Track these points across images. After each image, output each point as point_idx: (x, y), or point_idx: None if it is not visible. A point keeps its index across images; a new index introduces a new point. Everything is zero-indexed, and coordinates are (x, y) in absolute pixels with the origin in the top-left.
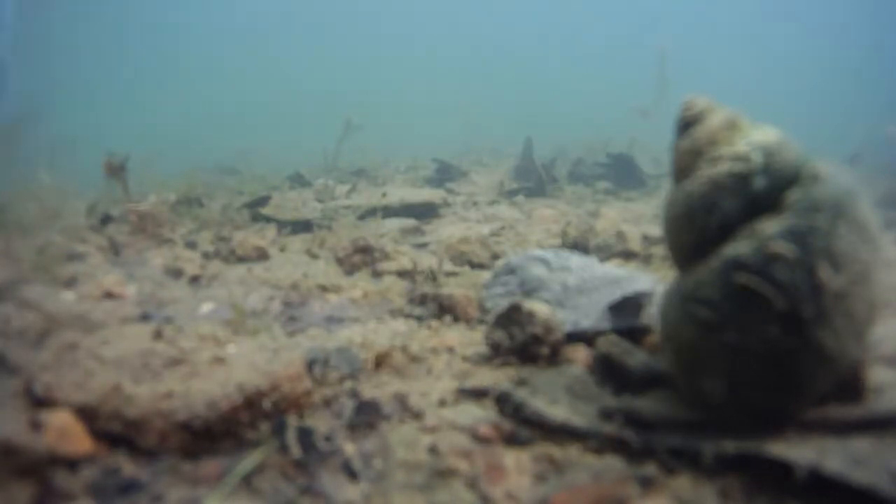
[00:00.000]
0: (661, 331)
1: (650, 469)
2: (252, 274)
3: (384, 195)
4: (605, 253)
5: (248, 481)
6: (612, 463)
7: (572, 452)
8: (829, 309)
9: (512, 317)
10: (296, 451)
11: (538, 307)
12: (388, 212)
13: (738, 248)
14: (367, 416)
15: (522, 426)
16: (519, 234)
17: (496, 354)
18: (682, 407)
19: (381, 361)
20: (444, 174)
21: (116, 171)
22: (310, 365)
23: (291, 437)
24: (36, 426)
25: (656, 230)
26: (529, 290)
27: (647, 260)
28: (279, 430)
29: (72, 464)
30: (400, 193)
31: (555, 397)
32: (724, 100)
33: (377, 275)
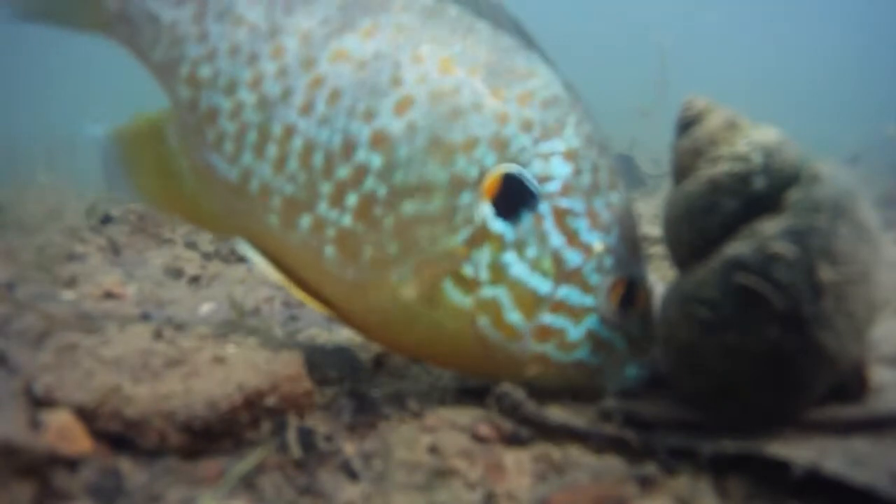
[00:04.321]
0: (662, 331)
1: (650, 469)
2: (252, 274)
3: None
4: None
5: (248, 481)
6: (612, 463)
7: (572, 452)
8: (829, 309)
9: None
10: (296, 451)
11: None
12: None
13: (738, 248)
14: (367, 416)
15: (522, 426)
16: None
17: None
18: (681, 407)
19: (381, 361)
20: None
21: None
22: (310, 365)
23: (292, 437)
24: (36, 426)
25: (656, 230)
26: None
27: (646, 260)
28: (280, 429)
29: (72, 464)
30: None
31: (554, 397)
32: (724, 100)
33: None
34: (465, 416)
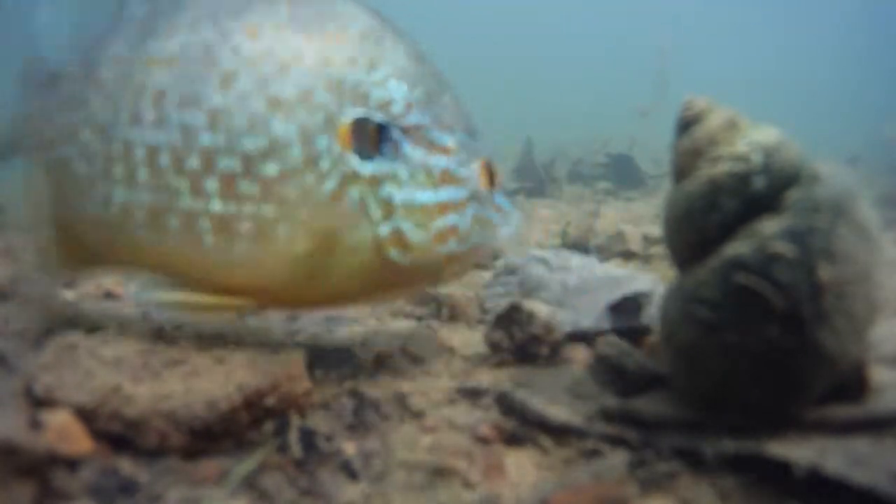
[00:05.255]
0: (662, 331)
1: (650, 469)
2: None
3: None
4: (605, 253)
5: (249, 481)
6: (612, 463)
7: (572, 452)
8: (829, 309)
9: (512, 317)
10: (297, 451)
11: (538, 307)
12: None
13: (738, 248)
14: (367, 416)
15: (522, 426)
16: (519, 234)
17: (496, 354)
18: (682, 407)
19: (380, 361)
20: None
21: None
22: (310, 365)
23: (293, 437)
24: (36, 426)
25: (656, 230)
26: (529, 290)
27: (647, 260)
28: (281, 430)
29: (72, 464)
30: None
31: (555, 397)
32: (724, 100)
33: None
34: (466, 416)
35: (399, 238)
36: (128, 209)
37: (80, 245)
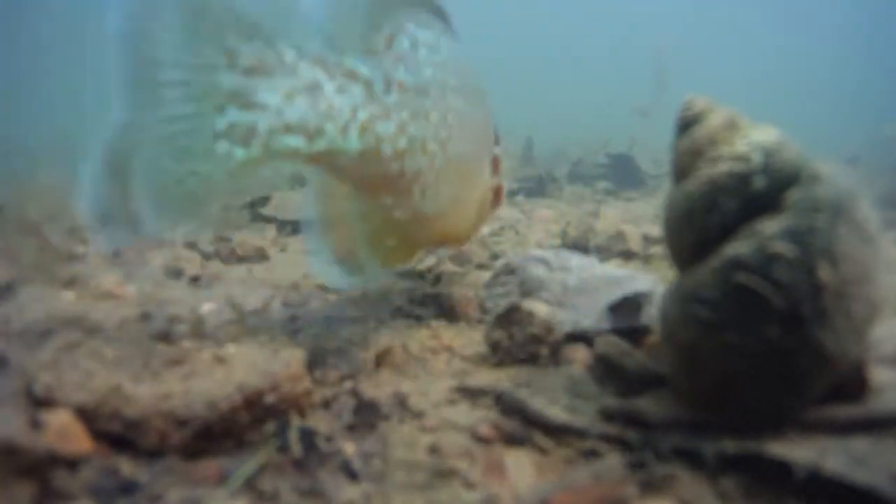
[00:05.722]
0: (662, 331)
1: (651, 469)
2: (252, 274)
3: None
4: (605, 253)
5: (249, 482)
6: (613, 463)
7: (572, 452)
8: (829, 309)
9: (512, 317)
10: (297, 451)
11: (538, 307)
12: None
13: (738, 248)
14: (367, 416)
15: (522, 426)
16: (519, 234)
17: (496, 354)
18: (681, 407)
19: (381, 361)
20: None
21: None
22: (310, 365)
23: (293, 437)
24: (36, 426)
25: (656, 230)
26: (529, 291)
27: (647, 260)
28: (281, 430)
29: (72, 464)
30: None
31: (555, 397)
32: (724, 100)
33: None
34: (465, 416)
35: (500, 187)
36: (441, 203)
37: (413, 240)
